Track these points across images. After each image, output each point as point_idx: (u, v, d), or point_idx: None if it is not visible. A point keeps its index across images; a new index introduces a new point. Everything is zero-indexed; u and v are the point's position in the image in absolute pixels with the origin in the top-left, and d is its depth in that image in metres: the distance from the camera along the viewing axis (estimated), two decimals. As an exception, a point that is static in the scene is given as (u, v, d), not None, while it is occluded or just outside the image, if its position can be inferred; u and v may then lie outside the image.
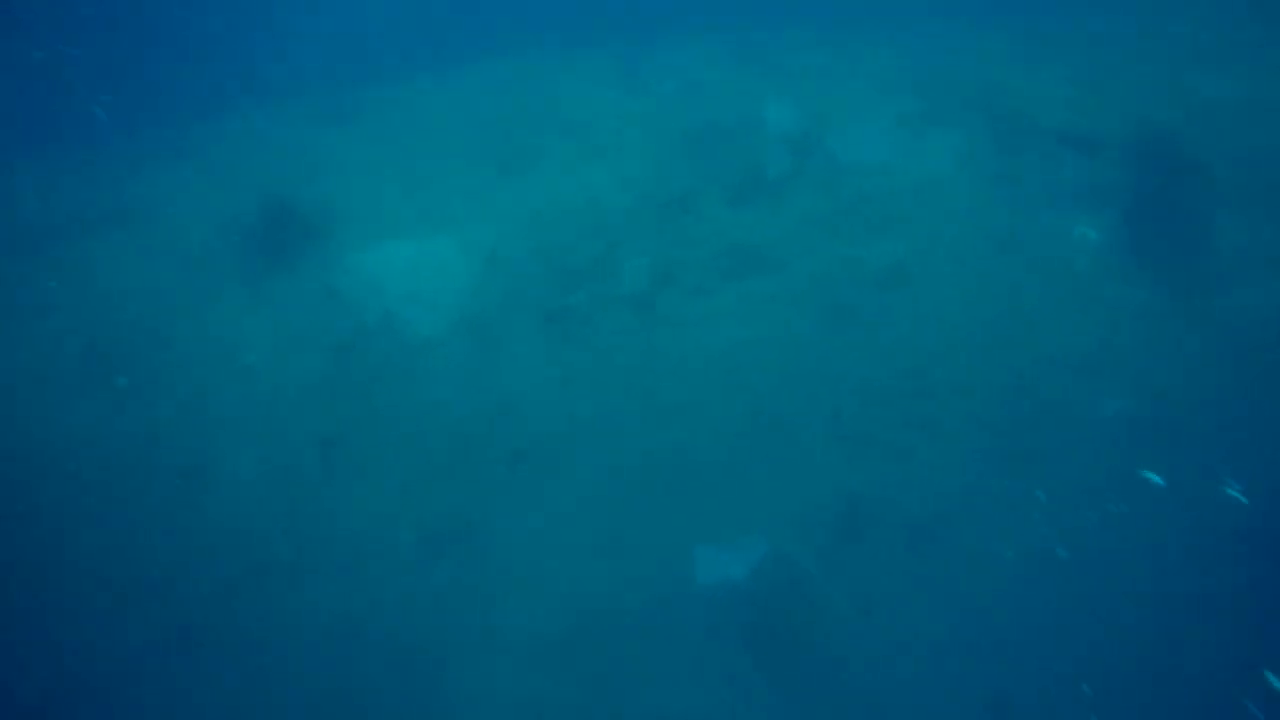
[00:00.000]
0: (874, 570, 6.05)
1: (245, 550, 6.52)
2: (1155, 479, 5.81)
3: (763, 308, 6.90)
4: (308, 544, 6.53)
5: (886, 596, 5.89)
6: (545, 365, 6.93)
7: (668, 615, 6.26)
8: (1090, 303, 6.68)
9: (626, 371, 6.83)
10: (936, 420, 6.41)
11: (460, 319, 7.12)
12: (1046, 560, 5.79)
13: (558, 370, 6.90)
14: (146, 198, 8.27)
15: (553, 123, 8.34)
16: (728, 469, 6.47)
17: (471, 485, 6.62)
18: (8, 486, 6.73)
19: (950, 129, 7.45)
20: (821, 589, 6.10)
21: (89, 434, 6.96)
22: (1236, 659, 5.32)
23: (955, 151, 7.29)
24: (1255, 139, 7.45)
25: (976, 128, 7.46)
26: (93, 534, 6.60)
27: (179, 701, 6.22)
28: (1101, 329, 6.56)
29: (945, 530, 6.02)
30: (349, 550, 6.50)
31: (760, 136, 7.89)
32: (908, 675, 5.62)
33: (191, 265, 7.59)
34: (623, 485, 6.49)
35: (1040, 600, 5.70)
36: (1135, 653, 5.49)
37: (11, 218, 8.18)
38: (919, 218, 7.02)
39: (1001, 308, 6.66)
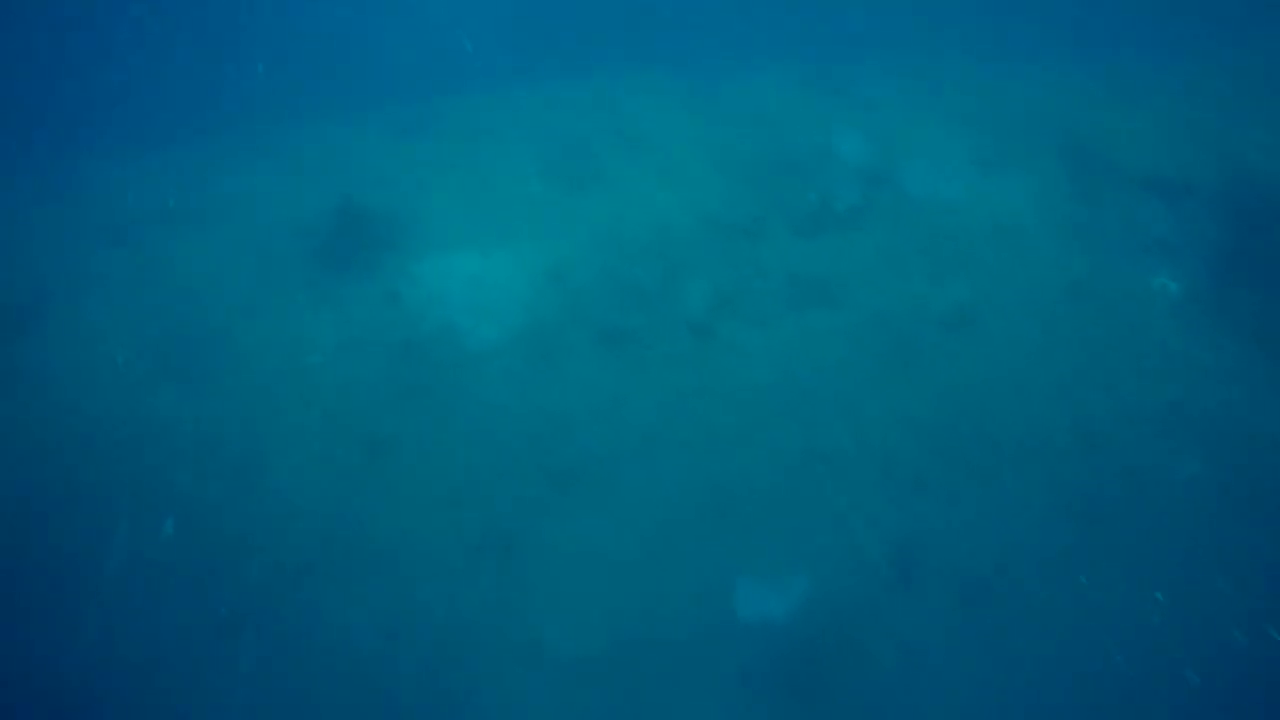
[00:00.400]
0: (921, 619, 5.87)
1: (292, 546, 6.62)
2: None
3: (823, 341, 6.79)
4: (353, 544, 6.61)
5: (933, 648, 5.71)
6: (600, 385, 6.92)
7: (705, 647, 6.16)
8: (1167, 359, 6.41)
9: (681, 396, 6.78)
10: (996, 470, 6.21)
11: (518, 333, 7.15)
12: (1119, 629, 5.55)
13: (612, 390, 6.88)
14: (225, 196, 8.51)
15: (622, 143, 8.36)
16: (776, 502, 6.37)
17: (518, 499, 6.62)
18: (72, 467, 6.95)
19: (1027, 170, 7.26)
20: (864, 634, 5.94)
21: (155, 422, 7.15)
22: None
23: (1031, 193, 7.10)
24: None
25: (1055, 170, 7.26)
26: (148, 520, 6.76)
27: (214, 689, 6.32)
28: (1178, 387, 6.29)
29: (1001, 585, 5.82)
30: (393, 553, 6.55)
31: (831, 167, 7.79)
32: (950, 733, 5.43)
33: (262, 264, 7.78)
34: (669, 510, 6.43)
35: (1098, 668, 5.46)
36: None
37: (109, 207, 8.49)
38: (990, 260, 6.83)
39: (1072, 359, 6.44)
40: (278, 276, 7.69)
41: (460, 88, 9.61)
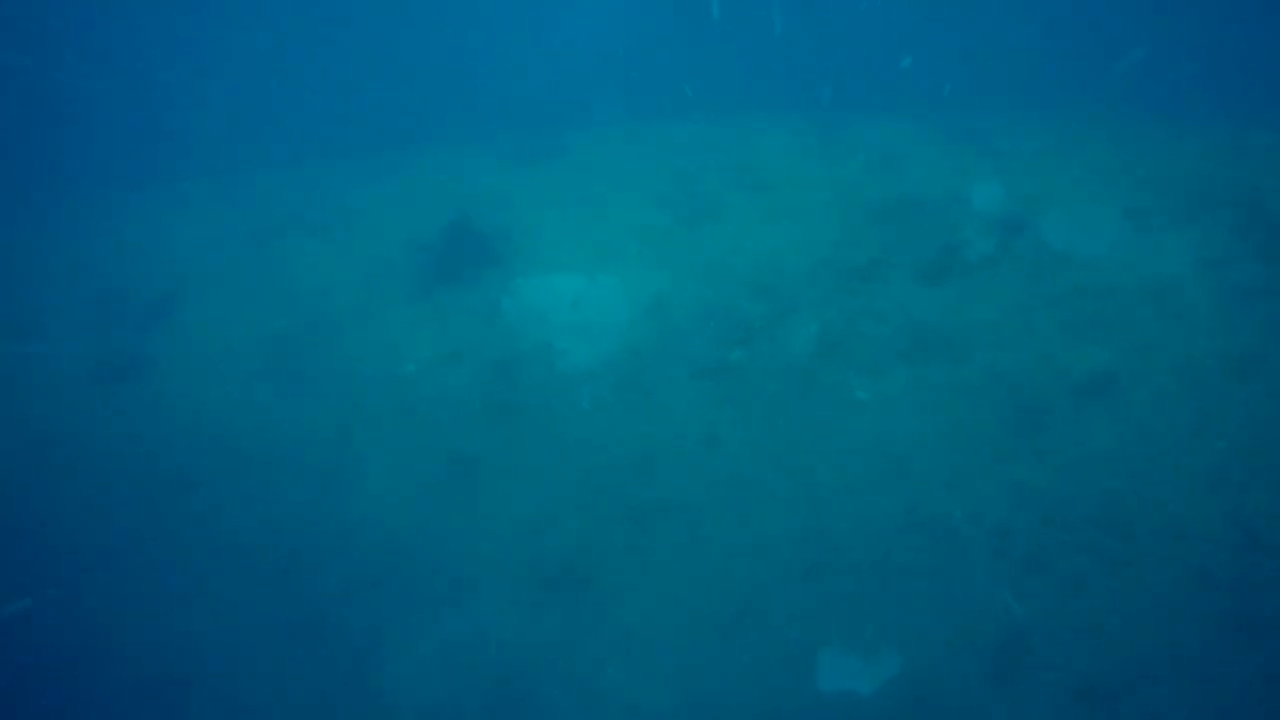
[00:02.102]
0: (1026, 720, 5.19)
1: (367, 558, 6.61)
2: None
3: (939, 398, 6.23)
4: (427, 562, 6.52)
5: (1038, 755, 5.02)
6: (694, 422, 6.61)
7: (780, 717, 5.68)
8: (1349, 453, 5.52)
9: (778, 443, 6.37)
10: (1130, 560, 5.47)
11: (615, 360, 6.94)
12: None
13: (706, 429, 6.55)
14: (351, 210, 8.81)
15: (739, 181, 8.12)
16: (872, 568, 5.84)
17: (597, 534, 6.37)
18: (174, 459, 7.19)
19: (1190, 228, 6.50)
20: (961, 727, 5.31)
21: (255, 420, 7.33)
22: None
23: (1194, 254, 6.34)
24: None
25: (1224, 230, 6.47)
26: (237, 518, 6.90)
27: (280, 697, 6.34)
28: (1362, 487, 5.39)
29: (1124, 693, 5.08)
30: (465, 577, 6.43)
31: (962, 215, 7.25)
32: None
33: (375, 274, 7.92)
34: (754, 564, 6.02)
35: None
36: None
37: (251, 213, 8.94)
38: (1139, 323, 6.11)
39: (1231, 442, 5.63)
40: (386, 287, 7.81)
41: (587, 122, 9.71)
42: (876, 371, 6.43)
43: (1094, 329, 6.16)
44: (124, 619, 6.67)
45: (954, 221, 7.22)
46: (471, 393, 6.98)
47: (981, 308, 6.55)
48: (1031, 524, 5.71)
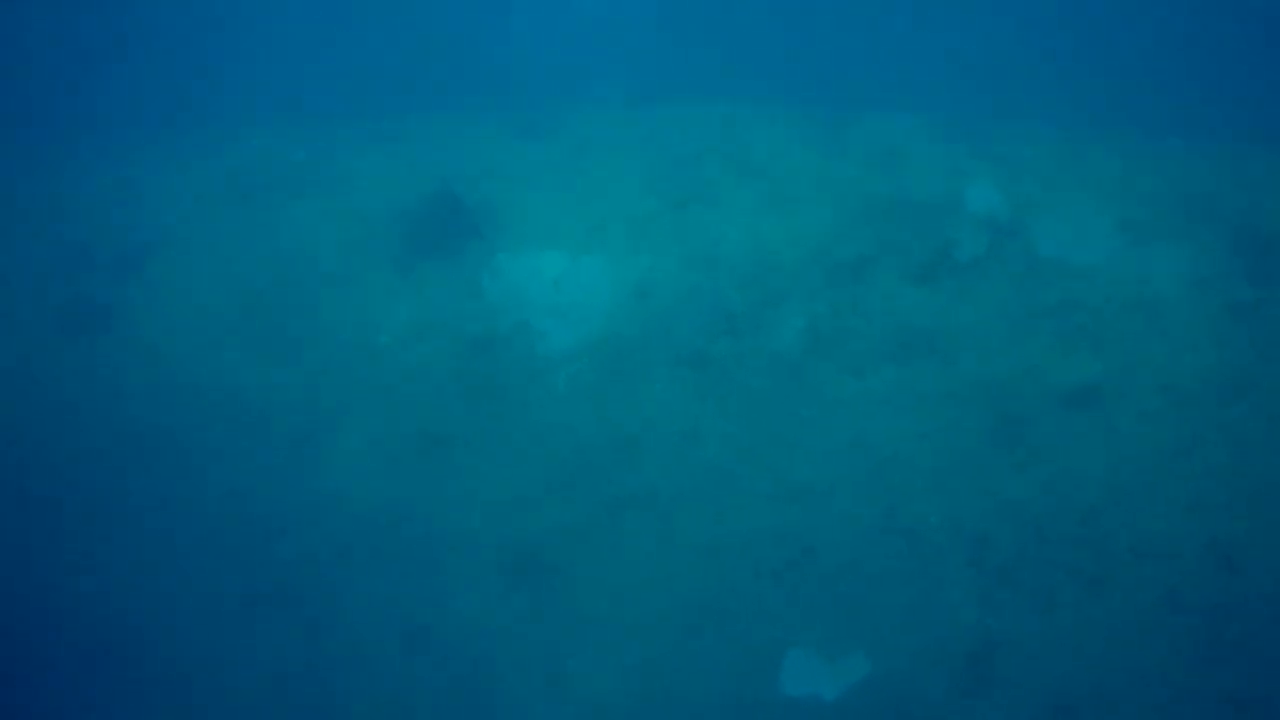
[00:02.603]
0: (993, 732, 5.14)
1: (331, 528, 6.47)
2: None
3: (923, 402, 6.14)
4: (392, 539, 6.39)
5: (1002, 769, 4.98)
6: (672, 411, 6.48)
7: (740, 715, 5.60)
8: (1333, 479, 5.49)
9: (758, 438, 6.26)
10: (1105, 578, 5.43)
11: (595, 343, 6.79)
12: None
13: (685, 421, 6.43)
14: (336, 173, 8.57)
15: (734, 168, 7.95)
16: (844, 571, 5.76)
17: (567, 521, 6.25)
18: (136, 415, 6.96)
19: (1184, 243, 6.43)
20: (925, 735, 5.26)
21: (224, 381, 7.12)
22: None
23: (1188, 270, 6.27)
24: None
25: (1219, 247, 6.40)
26: (198, 479, 6.71)
27: (231, 665, 6.20)
28: (1343, 515, 5.37)
29: (1094, 715, 5.03)
30: (430, 556, 6.30)
31: (957, 216, 7.14)
32: None
33: (356, 240, 7.70)
34: (727, 559, 5.93)
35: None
36: None
37: (235, 169, 8.68)
38: (1128, 336, 6.05)
39: (1216, 460, 5.58)
40: (367, 254, 7.59)
41: (583, 98, 9.52)
42: (862, 370, 6.32)
43: (1082, 341, 6.09)
44: (72, 577, 6.48)
45: (947, 222, 7.11)
46: (446, 369, 6.80)
47: (970, 311, 6.46)
48: (1008, 535, 5.65)
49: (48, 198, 8.50)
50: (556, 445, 6.46)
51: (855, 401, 6.22)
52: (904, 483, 5.90)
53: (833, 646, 5.63)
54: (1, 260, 7.93)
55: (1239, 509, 5.42)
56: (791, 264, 6.91)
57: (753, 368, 6.48)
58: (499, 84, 10.22)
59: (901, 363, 6.29)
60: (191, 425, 6.93)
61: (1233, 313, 6.03)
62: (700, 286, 6.89)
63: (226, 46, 11.32)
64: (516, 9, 11.48)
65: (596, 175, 7.91)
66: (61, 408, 7.02)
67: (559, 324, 6.87)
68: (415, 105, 9.57)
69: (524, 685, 5.90)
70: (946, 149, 7.91)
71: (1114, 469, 5.66)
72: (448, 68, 10.86)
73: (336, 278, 7.36)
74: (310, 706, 6.13)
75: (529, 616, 6.07)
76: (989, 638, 5.50)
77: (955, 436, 5.98)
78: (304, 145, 8.77)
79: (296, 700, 6.20)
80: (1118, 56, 10.37)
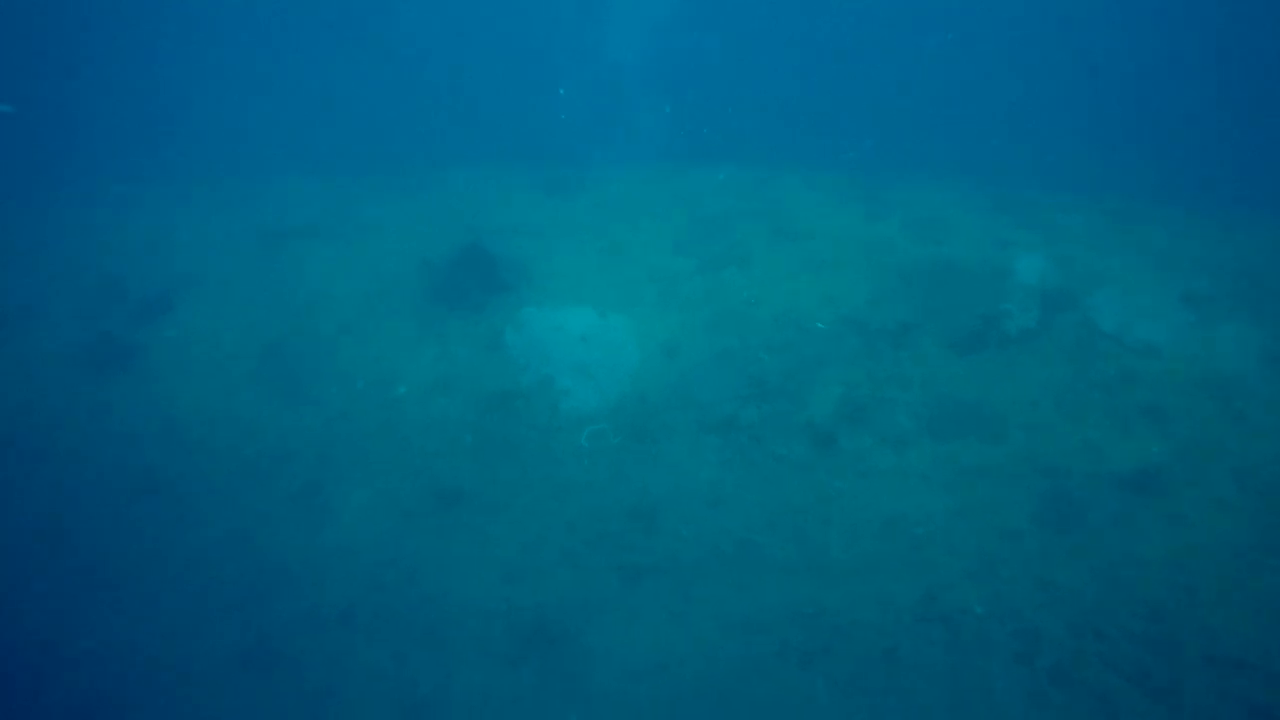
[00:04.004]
0: None
1: (337, 586, 6.13)
2: None
3: (967, 479, 5.68)
4: (399, 602, 6.03)
5: None
6: (699, 479, 6.10)
7: (762, 819, 5.05)
8: None
9: (788, 510, 5.84)
10: (1170, 683, 4.83)
11: (620, 404, 6.47)
12: None
13: (711, 488, 6.04)
14: (363, 224, 8.57)
15: (770, 230, 7.73)
16: (878, 659, 5.23)
17: (581, 589, 5.84)
18: (144, 456, 6.78)
19: (1256, 321, 5.97)
20: None
21: (236, 426, 6.94)
22: None
23: (1259, 348, 5.80)
24: None
25: (1293, 326, 5.93)
26: (202, 527, 6.47)
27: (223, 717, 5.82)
28: None
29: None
30: (436, 620, 5.92)
31: (1002, 285, 6.78)
32: None
33: (379, 291, 7.59)
34: (750, 640, 5.44)
35: None
36: None
37: (266, 217, 8.74)
38: (1195, 418, 5.56)
39: (1297, 560, 5.01)
40: (389, 304, 7.45)
41: (619, 159, 9.47)
42: (901, 443, 5.90)
43: (1145, 420, 5.61)
44: (67, 623, 6.21)
45: (993, 291, 6.75)
46: (464, 423, 6.53)
47: (1019, 385, 6.04)
48: (1061, 630, 5.10)
49: (80, 240, 8.58)
50: (573, 508, 6.10)
51: (892, 476, 5.78)
52: (944, 566, 5.40)
53: (863, 745, 5.06)
54: (30, 296, 7.95)
55: (1326, 613, 4.83)
56: (827, 330, 6.58)
57: (783, 436, 6.11)
58: (528, 141, 10.25)
59: (943, 437, 5.86)
60: (200, 470, 6.73)
61: (1313, 394, 5.54)
62: (730, 349, 6.57)
63: (260, 102, 11.65)
64: (548, 69, 11.62)
65: (625, 234, 7.72)
66: (72, 446, 6.87)
67: (583, 382, 6.58)
68: (443, 159, 9.62)
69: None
70: (990, 218, 7.59)
71: (1182, 562, 5.11)
72: (478, 122, 10.98)
73: (356, 327, 7.21)
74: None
75: (537, 691, 5.62)
76: (1039, 746, 4.89)
77: (1001, 518, 5.50)
78: (330, 196, 8.80)
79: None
80: (1162, 128, 10.11)
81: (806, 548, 5.65)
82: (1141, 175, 8.84)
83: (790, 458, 6.02)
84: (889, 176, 8.70)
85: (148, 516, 6.60)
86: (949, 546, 5.42)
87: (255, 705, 5.87)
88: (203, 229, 8.54)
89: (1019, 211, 7.84)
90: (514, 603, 5.87)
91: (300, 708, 5.84)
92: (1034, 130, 10.51)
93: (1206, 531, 5.14)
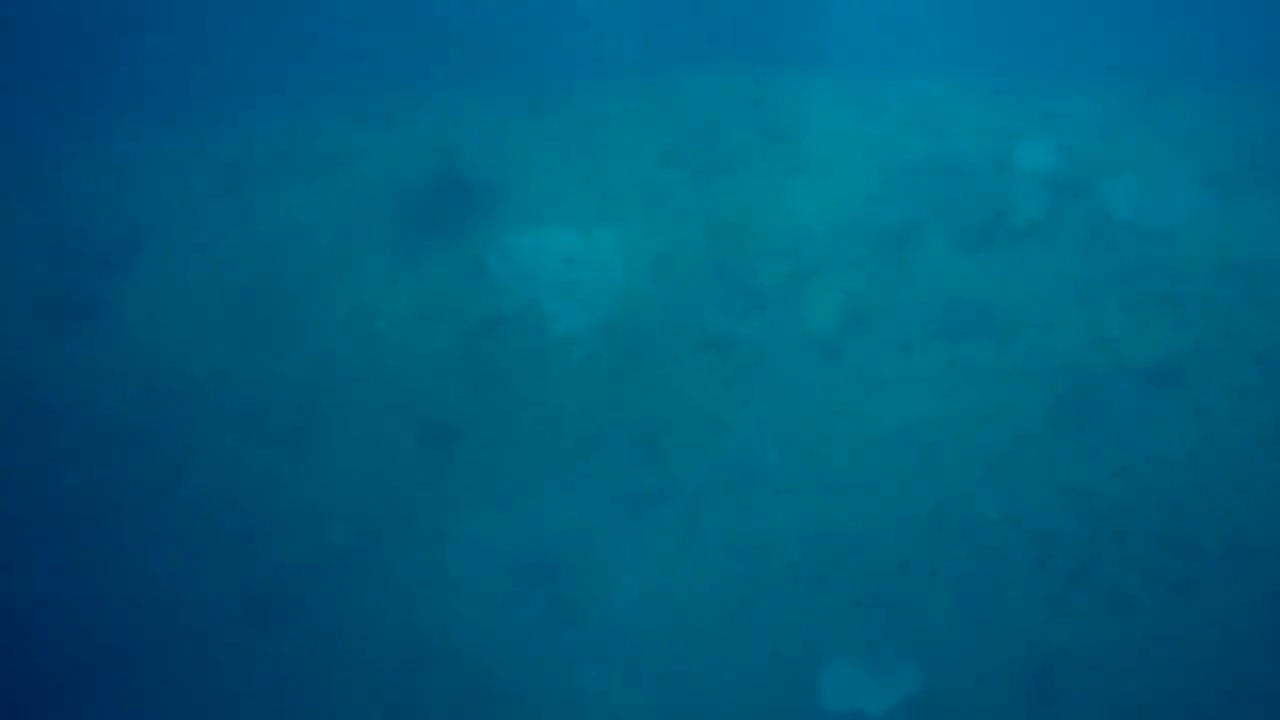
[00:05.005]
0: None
1: (330, 529, 6.03)
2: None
3: (979, 382, 5.47)
4: (393, 540, 5.93)
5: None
6: (696, 398, 5.91)
7: (779, 736, 5.04)
8: None
9: (792, 426, 5.67)
10: (1193, 581, 4.74)
11: (610, 324, 6.22)
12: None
13: (710, 408, 5.85)
14: (330, 153, 8.12)
15: (762, 133, 7.33)
16: (891, 573, 5.14)
17: (582, 520, 5.73)
18: (123, 413, 6.57)
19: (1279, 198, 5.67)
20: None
21: (214, 375, 6.72)
22: None
23: (1284, 226, 5.52)
24: None
25: (1320, 202, 5.64)
26: (189, 480, 6.31)
27: (230, 679, 5.82)
28: None
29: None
30: (435, 560, 5.82)
31: (1010, 176, 6.45)
32: None
33: (352, 223, 7.23)
34: (759, 561, 5.36)
35: None
36: None
37: (223, 152, 8.27)
38: (1219, 304, 5.32)
39: (1324, 447, 4.86)
40: (363, 235, 7.10)
41: (599, 71, 8.96)
42: (908, 348, 5.67)
43: (1164, 310, 5.37)
44: (56, 584, 6.13)
45: (999, 184, 6.42)
46: (447, 356, 6.29)
47: (1030, 280, 5.77)
48: (1079, 532, 4.98)
49: (28, 186, 8.16)
50: (568, 436, 5.92)
51: (900, 383, 5.58)
52: (958, 473, 5.25)
53: (879, 657, 5.02)
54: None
55: (1356, 501, 4.70)
56: (826, 233, 6.29)
57: (785, 349, 5.88)
58: (503, 53, 9.73)
59: (952, 339, 5.63)
60: (181, 422, 6.52)
61: (1344, 273, 5.29)
62: (725, 260, 6.29)
63: (212, 26, 10.96)
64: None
65: (610, 146, 7.36)
66: (44, 405, 6.64)
67: (571, 303, 6.32)
68: (412, 77, 9.12)
69: (537, 702, 5.42)
70: (993, 108, 7.23)
71: (1202, 456, 4.95)
72: (448, 35, 10.40)
73: (331, 263, 6.89)
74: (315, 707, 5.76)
75: (542, 626, 5.58)
76: (1057, 648, 4.85)
77: (1015, 420, 5.32)
78: (297, 126, 8.35)
79: (295, 718, 5.79)
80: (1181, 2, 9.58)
81: (813, 464, 5.50)
82: (1159, 55, 8.37)
83: (793, 372, 5.81)
84: (882, 73, 8.26)
85: (133, 473, 6.44)
86: (961, 454, 5.26)
87: (260, 651, 5.85)
88: (157, 169, 8.12)
89: (1024, 99, 7.45)
90: (514, 537, 5.78)
91: (305, 652, 5.83)
92: (1039, 12, 9.98)
93: (1226, 422, 4.97)
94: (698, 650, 5.30)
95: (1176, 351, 5.22)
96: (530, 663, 5.51)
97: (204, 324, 6.92)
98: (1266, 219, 5.53)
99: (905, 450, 5.36)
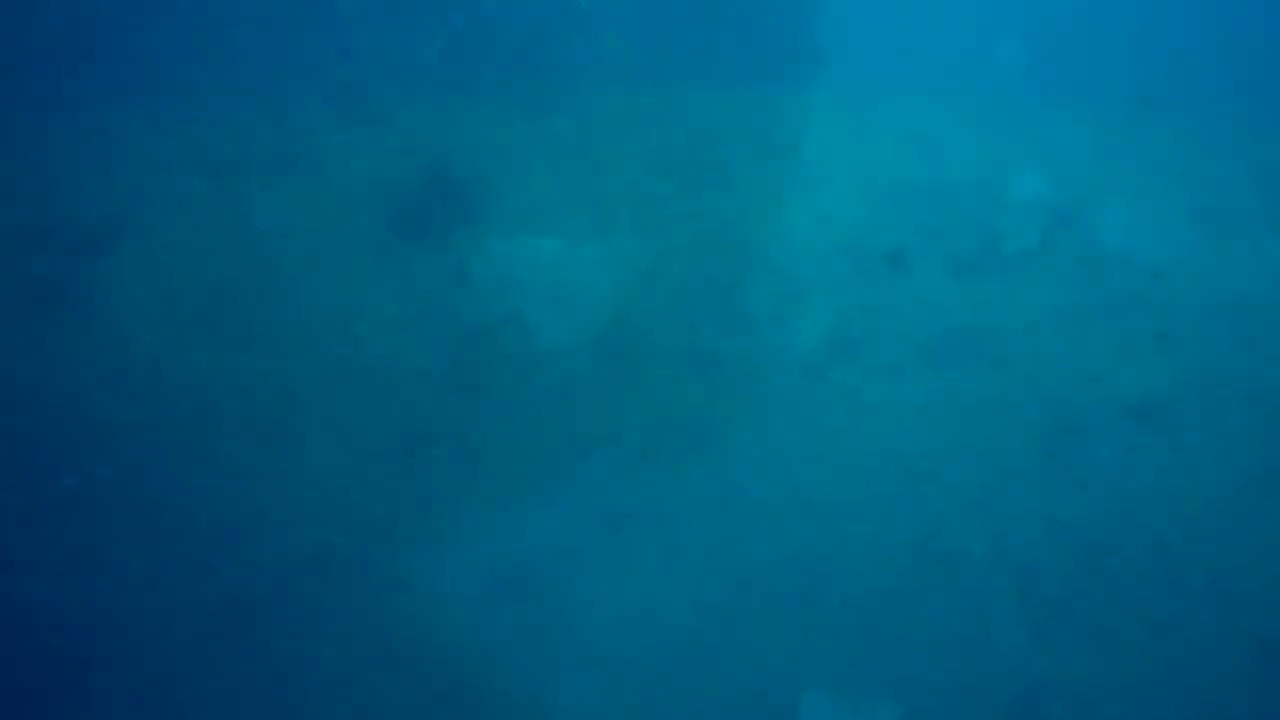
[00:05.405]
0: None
1: (306, 534, 5.88)
2: None
3: (964, 411, 5.45)
4: (371, 547, 5.79)
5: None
6: (679, 414, 5.84)
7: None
8: None
9: (774, 447, 5.60)
10: (1176, 617, 4.71)
11: (596, 335, 6.14)
12: None
13: (693, 426, 5.78)
14: (317, 150, 8.00)
15: (756, 147, 7.30)
16: (872, 602, 5.08)
17: (561, 534, 5.62)
18: (93, 406, 6.40)
19: (1272, 236, 5.69)
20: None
21: (190, 371, 6.55)
22: None
23: (1272, 267, 5.53)
24: None
25: (1308, 243, 5.66)
26: (160, 478, 6.14)
27: (199, 682, 5.65)
28: None
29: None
30: (412, 569, 5.69)
31: (1003, 203, 6.45)
32: None
33: (333, 224, 7.11)
34: (738, 586, 5.28)
35: None
36: None
37: (208, 142, 8.12)
38: (1207, 342, 5.32)
39: (1309, 491, 4.86)
40: (347, 236, 6.98)
41: (595, 77, 8.90)
42: (896, 373, 5.63)
43: (1151, 345, 5.37)
44: (19, 584, 5.94)
45: (991, 211, 6.42)
46: (428, 363, 6.18)
47: (1020, 310, 5.76)
48: (1063, 566, 4.94)
49: (9, 175, 7.97)
50: (549, 449, 5.82)
51: (886, 409, 5.53)
52: (942, 503, 5.20)
53: (857, 690, 4.96)
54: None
55: (1340, 545, 4.70)
56: (817, 252, 6.25)
57: (771, 368, 5.82)
58: (499, 56, 9.67)
59: (940, 366, 5.60)
60: (152, 420, 6.35)
61: (1332, 316, 5.31)
62: (714, 275, 6.23)
63: (201, 21, 10.80)
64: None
65: (601, 154, 7.29)
66: (7, 399, 6.46)
67: (556, 315, 6.23)
68: (405, 76, 9.03)
69: (511, 710, 5.30)
70: (988, 133, 7.25)
71: (1187, 494, 4.94)
72: (444, 36, 10.31)
73: (312, 263, 6.76)
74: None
75: (516, 641, 5.47)
76: (1038, 681, 4.81)
77: (1001, 451, 5.28)
78: (279, 122, 8.22)
79: (267, 718, 5.64)
80: (1171, 31, 9.68)
81: (796, 488, 5.44)
82: (1152, 86, 8.44)
83: (778, 392, 5.75)
84: (877, 92, 8.28)
85: (100, 469, 6.26)
86: (946, 483, 5.22)
87: (230, 654, 5.70)
88: (136, 158, 7.95)
89: (1015, 128, 7.49)
90: (491, 549, 5.67)
91: (276, 657, 5.68)
92: (1032, 39, 10.05)
93: (1213, 460, 4.96)
94: (673, 674, 5.21)
95: (1163, 388, 5.21)
96: (505, 674, 5.41)
97: (177, 319, 6.75)
98: (1254, 257, 5.55)
99: (889, 477, 5.31)
